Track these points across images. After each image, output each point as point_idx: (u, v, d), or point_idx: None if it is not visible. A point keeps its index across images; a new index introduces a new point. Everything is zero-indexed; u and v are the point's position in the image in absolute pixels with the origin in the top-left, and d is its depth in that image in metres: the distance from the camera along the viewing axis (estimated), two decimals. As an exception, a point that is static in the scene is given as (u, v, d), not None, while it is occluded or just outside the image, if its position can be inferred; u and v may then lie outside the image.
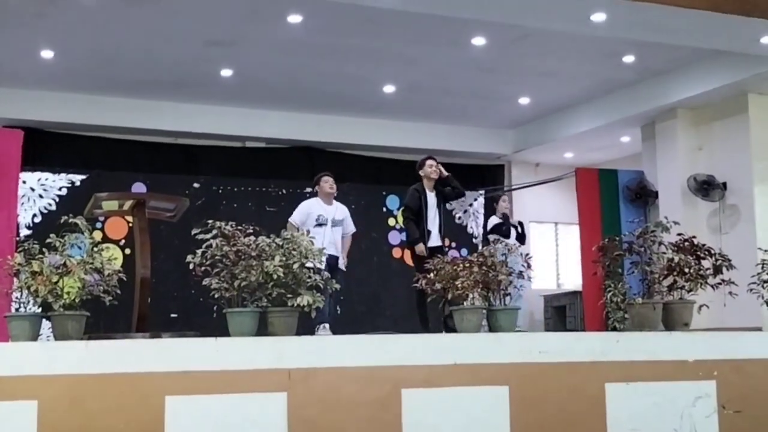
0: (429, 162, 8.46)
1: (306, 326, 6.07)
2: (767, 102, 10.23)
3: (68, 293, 5.17)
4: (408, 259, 11.93)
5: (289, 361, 5.12)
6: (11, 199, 8.88)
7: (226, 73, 10.17)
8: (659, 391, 5.78)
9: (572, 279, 13.16)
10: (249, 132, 11.72)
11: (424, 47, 9.42)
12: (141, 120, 11.07)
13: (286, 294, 5.47)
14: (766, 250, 6.83)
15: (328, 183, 8.21)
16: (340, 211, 8.20)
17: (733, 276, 6.47)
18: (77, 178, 10.55)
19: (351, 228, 8.33)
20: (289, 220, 8.02)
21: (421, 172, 8.45)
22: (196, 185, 11.00)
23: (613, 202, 11.61)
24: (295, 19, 8.52)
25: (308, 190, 11.53)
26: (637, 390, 5.74)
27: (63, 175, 10.52)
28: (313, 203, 8.21)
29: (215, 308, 5.59)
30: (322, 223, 7.99)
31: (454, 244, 12.28)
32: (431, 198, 8.35)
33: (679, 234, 6.51)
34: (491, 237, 9.21)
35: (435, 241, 8.18)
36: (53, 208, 10.31)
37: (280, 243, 5.60)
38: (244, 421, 4.97)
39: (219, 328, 5.47)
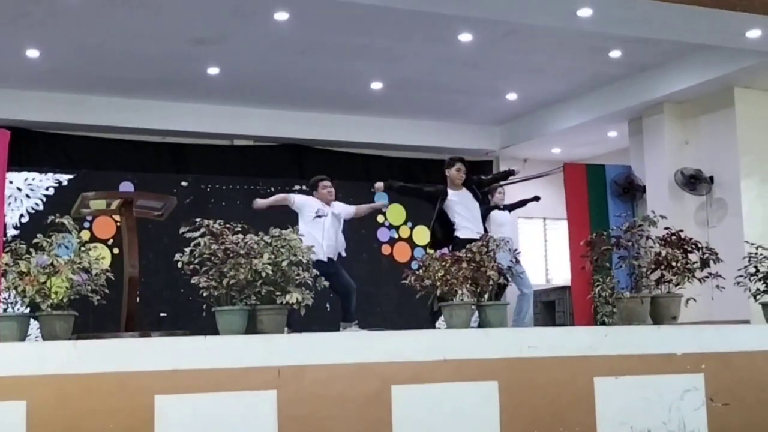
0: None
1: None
2: (753, 96, 10.27)
3: (56, 293, 5.15)
4: (397, 256, 11.98)
5: (279, 358, 5.12)
6: (-2, 199, 8.85)
7: (212, 71, 10.15)
8: (648, 385, 5.81)
9: (561, 274, 13.20)
10: (237, 130, 11.71)
11: (411, 44, 9.42)
12: (128, 119, 11.03)
13: (275, 291, 5.47)
14: (752, 244, 6.87)
15: (326, 189, 8.13)
16: (336, 207, 8.21)
17: (720, 269, 6.50)
18: (64, 178, 10.51)
19: (350, 209, 8.37)
20: (289, 195, 8.12)
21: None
22: (183, 184, 10.98)
23: (600, 197, 11.65)
24: (281, 16, 8.51)
25: (297, 187, 11.56)
26: (626, 384, 5.77)
27: (50, 174, 10.47)
28: (313, 200, 8.15)
29: (204, 307, 5.59)
30: (321, 215, 7.98)
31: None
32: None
33: (666, 228, 6.53)
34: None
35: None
36: (40, 207, 10.27)
37: (269, 241, 5.60)
38: (234, 419, 4.97)
39: (208, 327, 5.46)
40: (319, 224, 7.90)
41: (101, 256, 5.62)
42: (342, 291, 7.88)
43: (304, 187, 11.43)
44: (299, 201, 8.12)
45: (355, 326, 7.59)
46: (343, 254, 8.14)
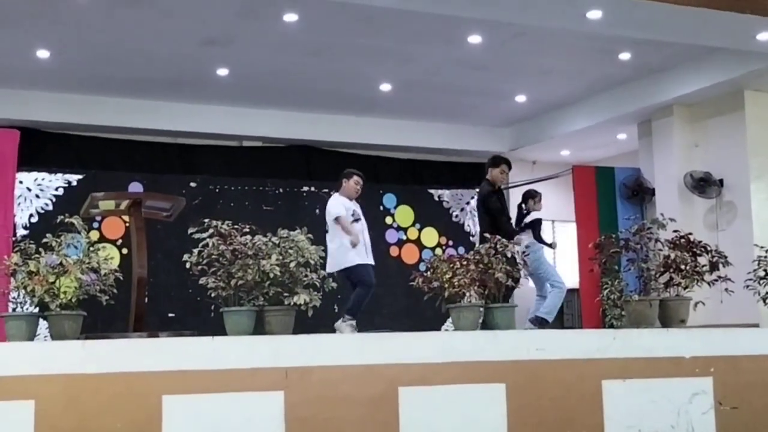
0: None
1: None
2: (763, 98, 10.23)
3: (65, 293, 5.18)
4: (405, 258, 11.97)
5: (286, 359, 5.13)
6: (8, 199, 8.90)
7: (222, 72, 10.17)
8: (656, 388, 5.80)
9: (569, 276, 13.15)
10: (246, 131, 11.71)
11: (421, 45, 9.42)
12: (137, 120, 11.05)
13: (282, 293, 5.48)
14: (762, 247, 6.85)
15: (359, 184, 7.92)
16: (358, 206, 8.08)
17: (729, 273, 6.49)
18: (74, 178, 10.53)
19: None
20: (336, 214, 7.59)
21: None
22: (192, 184, 10.99)
23: (609, 200, 11.64)
24: (290, 17, 8.52)
25: (305, 188, 11.60)
26: (634, 387, 5.76)
27: (59, 175, 10.49)
28: (343, 199, 7.83)
29: (212, 307, 5.60)
30: (357, 219, 7.77)
31: (451, 243, 12.30)
32: None
33: (675, 231, 6.52)
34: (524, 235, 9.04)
35: None
36: (50, 208, 10.29)
37: (277, 242, 5.61)
38: (241, 419, 4.98)
39: (216, 328, 5.47)
40: (359, 228, 7.68)
41: (110, 257, 5.65)
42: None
43: (312, 188, 11.54)
44: (344, 210, 7.72)
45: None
46: None
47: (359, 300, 7.49)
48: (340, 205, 7.74)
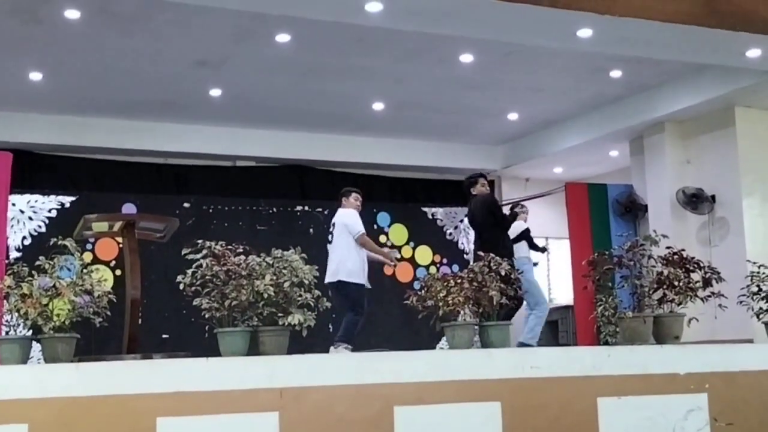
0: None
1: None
2: (754, 115, 10.29)
3: (58, 315, 5.16)
4: (399, 276, 11.95)
5: (281, 380, 5.12)
6: (1, 221, 8.86)
7: (215, 93, 10.19)
8: (651, 405, 5.79)
9: (564, 293, 13.16)
10: (239, 151, 11.74)
11: (413, 65, 9.46)
12: (130, 141, 11.07)
13: (276, 313, 5.47)
14: (754, 263, 6.86)
15: (359, 200, 7.96)
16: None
17: (722, 288, 6.50)
18: (67, 200, 10.51)
19: None
20: (361, 231, 7.65)
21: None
22: (186, 205, 10.98)
23: (602, 217, 11.66)
24: (283, 38, 8.55)
25: (299, 208, 11.60)
26: (629, 404, 5.75)
27: (52, 197, 10.46)
28: (355, 213, 7.89)
29: (206, 328, 5.58)
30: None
31: (445, 260, 12.30)
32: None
33: (668, 247, 6.53)
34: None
35: None
36: (43, 230, 10.26)
37: (271, 262, 5.61)
38: (236, 441, 4.96)
39: (210, 348, 5.45)
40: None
41: (103, 278, 5.63)
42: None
43: (306, 208, 11.54)
44: (361, 226, 7.76)
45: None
46: None
47: (351, 326, 7.46)
48: (359, 220, 7.74)
